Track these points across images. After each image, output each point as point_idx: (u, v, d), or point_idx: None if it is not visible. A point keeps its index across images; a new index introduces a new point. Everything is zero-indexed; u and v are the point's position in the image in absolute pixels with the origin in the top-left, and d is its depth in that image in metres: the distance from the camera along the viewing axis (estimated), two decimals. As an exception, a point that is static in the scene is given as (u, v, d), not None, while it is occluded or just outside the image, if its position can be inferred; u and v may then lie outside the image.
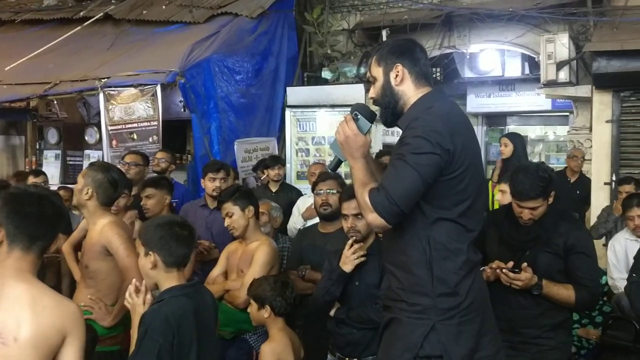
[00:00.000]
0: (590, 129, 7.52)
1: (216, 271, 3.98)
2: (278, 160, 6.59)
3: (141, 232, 2.77)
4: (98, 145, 8.23)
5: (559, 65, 7.29)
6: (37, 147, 9.37)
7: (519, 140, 6.77)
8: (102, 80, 7.38)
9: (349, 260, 3.29)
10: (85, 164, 8.56)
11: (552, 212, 3.16)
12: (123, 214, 4.31)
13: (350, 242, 3.32)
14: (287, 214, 5.68)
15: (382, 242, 2.86)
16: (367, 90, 2.90)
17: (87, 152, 8.85)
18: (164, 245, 2.63)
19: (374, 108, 2.54)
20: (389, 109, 2.48)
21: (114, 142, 7.44)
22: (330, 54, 8.90)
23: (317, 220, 4.41)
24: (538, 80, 7.87)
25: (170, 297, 2.59)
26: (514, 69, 9.49)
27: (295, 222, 5.58)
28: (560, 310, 3.16)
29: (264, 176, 6.52)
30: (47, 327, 2.07)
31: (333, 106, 8.09)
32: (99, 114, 7.91)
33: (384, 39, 7.97)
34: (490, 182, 6.73)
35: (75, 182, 3.61)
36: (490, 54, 9.23)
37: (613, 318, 4.50)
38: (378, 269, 3.25)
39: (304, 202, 5.65)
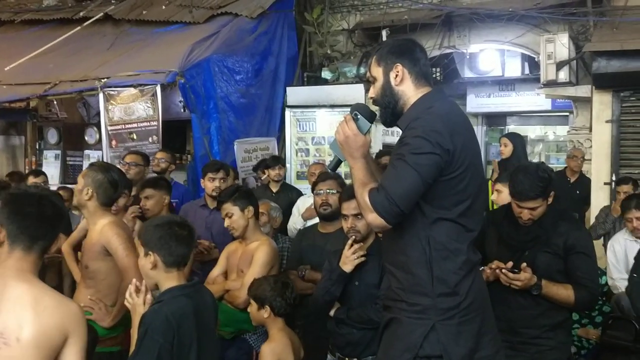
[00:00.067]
0: (590, 129, 7.52)
1: (216, 271, 3.98)
2: (279, 161, 6.59)
3: (141, 233, 2.77)
4: (98, 145, 8.23)
5: (559, 65, 7.30)
6: (37, 147, 9.38)
7: (518, 140, 6.77)
8: (102, 80, 7.38)
9: (349, 260, 3.29)
10: (85, 164, 8.57)
11: (551, 212, 3.15)
12: (123, 213, 4.31)
13: (350, 242, 3.32)
14: (287, 214, 5.69)
15: (381, 242, 2.86)
16: (367, 90, 2.90)
17: (87, 152, 8.86)
18: (164, 245, 2.64)
19: (374, 108, 2.54)
20: (389, 109, 2.48)
21: (113, 142, 7.44)
22: (330, 54, 8.90)
23: (316, 220, 4.41)
24: (538, 80, 7.87)
25: (171, 298, 2.59)
26: (514, 69, 9.49)
27: (295, 222, 5.58)
28: (560, 311, 3.16)
29: (265, 176, 6.52)
30: (49, 327, 2.07)
31: (333, 106, 8.10)
32: (98, 114, 7.91)
33: (384, 39, 7.98)
34: (490, 182, 6.73)
35: (75, 182, 3.61)
36: (490, 54, 9.23)
37: (613, 318, 4.50)
38: (378, 269, 3.25)
39: (304, 202, 5.65)
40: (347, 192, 3.38)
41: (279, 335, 3.33)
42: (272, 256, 3.79)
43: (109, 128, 7.45)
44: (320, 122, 8.30)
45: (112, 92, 7.35)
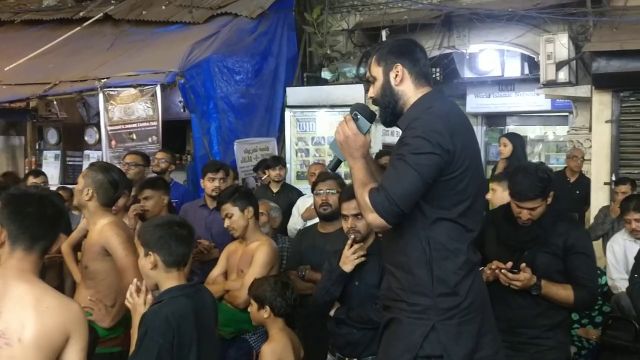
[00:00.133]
0: (590, 129, 7.52)
1: (216, 271, 3.98)
2: (279, 161, 6.59)
3: (140, 233, 2.77)
4: (98, 145, 8.23)
5: (559, 66, 7.30)
6: (37, 147, 9.37)
7: (518, 140, 6.77)
8: (102, 80, 7.39)
9: (349, 260, 3.29)
10: (85, 164, 8.56)
11: (550, 213, 3.15)
12: (123, 213, 4.31)
13: (350, 241, 3.32)
14: (287, 214, 5.69)
15: (381, 242, 2.86)
16: (366, 91, 2.90)
17: (86, 152, 8.86)
18: (164, 245, 2.63)
19: (374, 108, 2.54)
20: (389, 109, 2.48)
21: (113, 143, 7.45)
22: (330, 54, 8.90)
23: (316, 220, 4.41)
24: (538, 80, 7.87)
25: (171, 298, 2.59)
26: (514, 69, 9.50)
27: (295, 223, 5.58)
28: (559, 311, 3.16)
29: (265, 176, 6.52)
30: (51, 327, 2.07)
31: (333, 106, 8.10)
32: (98, 114, 7.92)
33: (384, 39, 7.98)
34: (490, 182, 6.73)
35: (75, 183, 3.61)
36: (489, 54, 9.24)
37: (613, 318, 4.50)
38: (378, 269, 3.25)
39: (304, 203, 5.65)
40: (346, 192, 3.38)
41: (279, 336, 3.33)
42: (272, 256, 3.79)
43: (109, 128, 7.45)
44: (320, 122, 8.31)
45: (112, 92, 7.35)
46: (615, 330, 4.35)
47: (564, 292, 3.09)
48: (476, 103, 11.18)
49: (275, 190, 6.35)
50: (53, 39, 8.82)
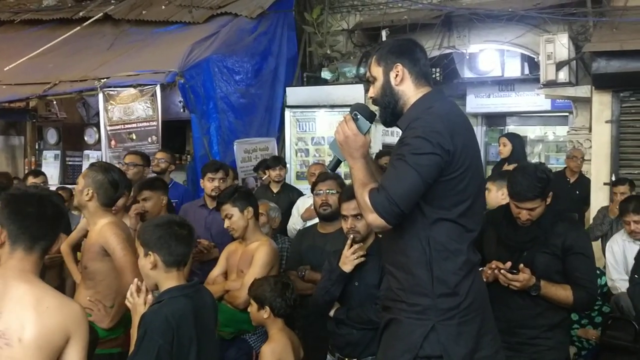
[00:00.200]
0: (590, 129, 7.52)
1: (216, 271, 3.98)
2: (279, 161, 6.59)
3: (140, 233, 2.77)
4: (97, 145, 8.23)
5: (559, 66, 7.30)
6: (37, 147, 9.38)
7: (517, 141, 6.76)
8: (102, 80, 7.39)
9: (349, 260, 3.29)
10: (85, 164, 8.56)
11: (550, 213, 3.15)
12: (123, 213, 4.31)
13: (349, 242, 3.32)
14: (288, 214, 5.69)
15: (381, 242, 2.86)
16: (366, 91, 2.90)
17: (86, 152, 8.86)
18: (163, 245, 2.63)
19: (374, 108, 2.54)
20: (389, 109, 2.48)
21: (112, 143, 7.45)
22: (330, 54, 8.90)
23: (316, 220, 4.41)
24: (537, 80, 7.87)
25: (170, 298, 2.59)
26: (514, 69, 9.51)
27: (295, 223, 5.58)
28: (558, 311, 3.16)
29: (265, 177, 6.52)
30: (51, 327, 2.06)
31: (332, 106, 8.10)
32: (98, 114, 7.92)
33: (384, 39, 7.98)
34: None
35: (74, 183, 3.60)
36: (489, 54, 9.24)
37: (612, 318, 4.50)
38: (378, 269, 3.25)
39: (304, 203, 5.65)
40: (346, 193, 3.37)
41: (279, 336, 3.33)
42: (272, 256, 3.79)
43: (109, 128, 7.45)
44: (320, 122, 8.31)
45: (111, 92, 7.35)
46: (614, 330, 4.35)
47: (563, 293, 3.09)
48: (476, 103, 11.19)
49: (275, 190, 6.35)
50: (53, 39, 8.83)
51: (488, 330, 2.48)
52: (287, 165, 7.35)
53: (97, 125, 8.08)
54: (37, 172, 6.47)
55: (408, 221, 2.34)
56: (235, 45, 7.94)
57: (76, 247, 4.57)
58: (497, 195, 3.99)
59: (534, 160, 11.46)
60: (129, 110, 7.30)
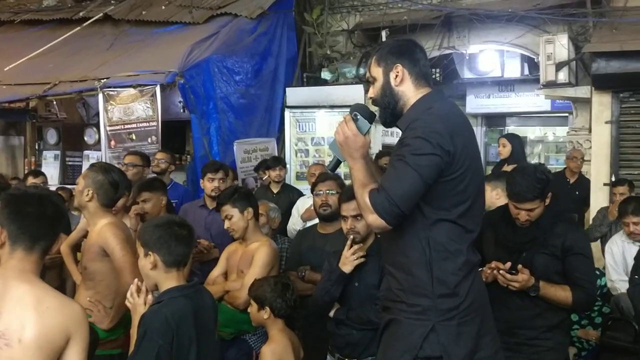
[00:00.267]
0: (590, 130, 7.51)
1: (216, 272, 3.98)
2: (279, 161, 6.59)
3: (140, 233, 2.77)
4: (97, 145, 8.23)
5: (559, 66, 7.29)
6: (37, 147, 9.38)
7: (517, 141, 6.77)
8: (102, 80, 7.39)
9: (349, 261, 3.29)
10: (85, 164, 8.57)
11: (549, 214, 3.15)
12: (123, 214, 4.31)
13: (349, 242, 3.32)
14: (288, 215, 5.68)
15: (380, 243, 2.86)
16: (366, 91, 2.90)
17: (86, 152, 8.86)
18: (163, 245, 2.63)
19: (374, 108, 2.54)
20: (389, 110, 2.48)
21: (112, 143, 7.45)
22: (330, 54, 8.90)
23: (316, 221, 4.41)
24: (537, 81, 7.87)
25: (170, 298, 2.59)
26: (514, 69, 9.50)
27: (295, 223, 5.58)
28: (557, 311, 3.16)
29: (265, 177, 6.52)
30: (51, 328, 2.06)
31: (332, 107, 8.10)
32: (98, 114, 7.92)
33: (384, 39, 7.98)
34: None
35: (74, 183, 3.60)
36: (489, 54, 9.24)
37: (612, 319, 4.50)
38: (378, 269, 3.24)
39: (303, 203, 5.65)
40: (346, 193, 3.37)
41: (279, 336, 3.33)
42: (273, 257, 3.79)
43: (108, 128, 7.45)
44: (319, 123, 8.31)
45: (111, 93, 7.35)
46: (614, 331, 4.35)
47: (562, 293, 3.09)
48: (476, 104, 11.18)
49: (275, 190, 6.35)
50: (53, 39, 8.83)
51: (488, 330, 2.48)
52: (287, 166, 7.36)
53: (97, 126, 8.08)
54: (37, 173, 6.47)
55: (408, 222, 2.34)
56: (235, 45, 7.94)
57: (76, 248, 4.57)
58: (491, 195, 3.99)
59: (533, 160, 11.47)
60: (129, 110, 7.30)
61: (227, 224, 3.86)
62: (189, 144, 8.77)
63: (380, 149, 7.56)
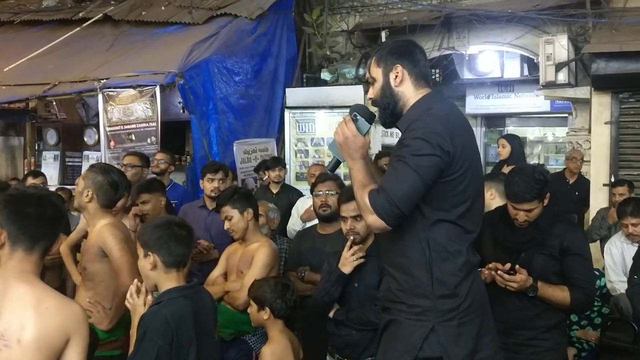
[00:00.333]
0: (589, 131, 7.51)
1: (216, 272, 3.98)
2: (279, 162, 6.60)
3: (140, 234, 2.77)
4: (97, 146, 8.23)
5: (558, 67, 7.30)
6: (36, 148, 9.38)
7: (516, 142, 6.77)
8: (101, 81, 7.39)
9: (348, 261, 3.29)
10: (84, 164, 8.57)
11: (547, 214, 3.15)
12: (122, 214, 4.31)
13: (349, 243, 3.32)
14: (288, 215, 5.68)
15: (379, 243, 2.86)
16: (366, 92, 2.90)
17: (86, 153, 8.86)
18: (163, 245, 2.63)
19: (373, 109, 2.54)
20: (388, 110, 2.48)
21: (112, 143, 7.44)
22: (330, 55, 8.90)
23: (316, 221, 4.41)
24: (537, 81, 7.87)
25: (170, 299, 2.59)
26: (513, 70, 9.49)
27: (295, 224, 5.57)
28: (556, 312, 3.16)
29: (265, 177, 6.52)
30: (51, 328, 2.06)
31: (332, 107, 8.11)
32: (98, 115, 7.91)
33: (383, 40, 7.98)
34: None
35: (74, 183, 3.60)
36: (489, 55, 9.24)
37: (612, 319, 4.50)
38: (377, 270, 3.24)
39: (303, 204, 5.65)
40: (346, 194, 3.37)
41: (279, 337, 3.33)
42: (272, 257, 3.79)
43: (108, 129, 7.45)
44: (319, 123, 8.31)
45: (111, 93, 7.35)
46: (614, 331, 4.35)
47: (560, 294, 3.09)
48: (475, 104, 11.18)
49: (275, 191, 6.35)
50: (52, 40, 8.82)
51: (488, 331, 2.48)
52: (287, 166, 7.36)
53: (97, 126, 8.08)
54: (37, 173, 6.47)
55: (408, 222, 2.34)
56: (234, 46, 7.94)
57: (76, 248, 4.56)
58: (485, 196, 3.99)
59: (533, 161, 11.48)
60: (129, 111, 7.30)
61: (227, 225, 3.86)
62: (189, 145, 8.77)
63: (380, 149, 7.56)
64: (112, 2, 9.66)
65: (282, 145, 8.49)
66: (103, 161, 7.06)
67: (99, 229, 3.41)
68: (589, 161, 7.39)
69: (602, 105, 7.21)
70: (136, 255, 2.82)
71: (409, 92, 2.45)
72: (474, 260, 2.47)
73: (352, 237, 3.32)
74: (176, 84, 7.08)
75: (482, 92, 11.01)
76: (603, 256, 5.28)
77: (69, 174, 8.97)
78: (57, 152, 9.08)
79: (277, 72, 8.49)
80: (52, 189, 6.52)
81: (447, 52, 8.63)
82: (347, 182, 4.00)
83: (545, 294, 3.08)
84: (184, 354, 2.53)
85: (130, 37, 8.76)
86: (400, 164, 2.28)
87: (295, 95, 8.46)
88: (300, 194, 6.28)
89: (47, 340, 2.05)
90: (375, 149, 7.41)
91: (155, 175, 5.78)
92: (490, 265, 3.09)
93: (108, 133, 7.45)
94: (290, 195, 6.27)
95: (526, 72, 9.48)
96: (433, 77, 8.58)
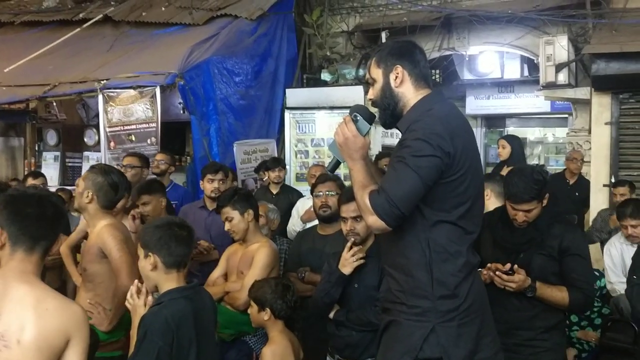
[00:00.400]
0: (589, 131, 7.52)
1: (216, 273, 3.98)
2: (279, 162, 6.60)
3: (140, 235, 2.77)
4: (97, 146, 8.24)
5: (558, 67, 7.30)
6: (37, 148, 9.39)
7: (516, 142, 6.76)
8: (102, 81, 7.40)
9: (348, 262, 3.29)
10: (85, 165, 8.58)
11: (546, 215, 3.15)
12: (122, 215, 4.31)
13: (349, 244, 3.32)
14: (288, 215, 5.68)
15: (379, 244, 2.86)
16: (366, 92, 2.90)
17: (86, 153, 8.87)
18: (163, 246, 2.63)
19: (373, 110, 2.54)
20: (388, 111, 2.48)
21: (112, 144, 7.45)
22: (330, 55, 8.90)
23: (316, 222, 4.41)
24: (537, 82, 7.87)
25: (170, 300, 2.59)
26: (513, 70, 9.49)
27: (295, 225, 5.57)
28: (555, 312, 3.16)
29: (265, 178, 6.52)
30: (51, 329, 2.05)
31: (332, 108, 8.11)
32: (98, 115, 7.92)
33: (383, 40, 7.98)
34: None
35: (74, 184, 3.60)
36: (489, 55, 9.24)
37: (612, 320, 4.50)
38: (377, 271, 3.24)
39: (303, 205, 5.65)
40: (346, 195, 3.37)
41: (279, 338, 3.33)
42: (273, 258, 3.79)
43: (108, 130, 7.46)
44: (319, 124, 8.32)
45: (111, 94, 7.36)
46: (614, 332, 4.36)
47: (559, 294, 3.09)
48: (476, 105, 11.18)
49: (274, 191, 6.35)
50: (53, 41, 8.83)
51: (488, 331, 2.48)
52: (287, 167, 7.36)
53: (97, 127, 8.09)
54: (37, 174, 6.48)
55: (408, 223, 2.34)
56: (235, 46, 7.95)
57: (76, 249, 4.56)
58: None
59: (533, 162, 11.48)
60: (129, 111, 7.31)
61: (227, 226, 3.86)
62: (189, 145, 8.78)
63: (380, 150, 7.57)
64: (112, 3, 9.67)
65: (282, 145, 8.49)
66: (103, 162, 7.07)
67: (99, 229, 3.41)
68: (589, 162, 7.39)
69: (602, 106, 7.21)
70: (136, 256, 2.82)
71: (409, 93, 2.45)
72: (474, 261, 2.46)
73: (352, 238, 3.32)
74: (176, 85, 7.09)
75: (482, 92, 11.02)
76: (603, 257, 5.28)
77: (69, 174, 8.98)
78: (57, 153, 9.09)
79: (277, 72, 8.49)
80: (52, 189, 6.52)
81: (447, 52, 8.63)
82: (347, 183, 4.00)
83: (544, 295, 3.07)
84: (184, 355, 2.54)
85: (130, 37, 8.77)
86: (401, 164, 2.28)
87: (295, 95, 8.46)
88: (300, 195, 6.29)
89: (47, 341, 2.05)
90: (375, 149, 7.42)
91: (155, 176, 5.78)
92: (490, 266, 3.09)
93: (108, 134, 7.46)
94: (290, 196, 6.27)
95: (526, 73, 9.48)
96: (433, 77, 8.58)
